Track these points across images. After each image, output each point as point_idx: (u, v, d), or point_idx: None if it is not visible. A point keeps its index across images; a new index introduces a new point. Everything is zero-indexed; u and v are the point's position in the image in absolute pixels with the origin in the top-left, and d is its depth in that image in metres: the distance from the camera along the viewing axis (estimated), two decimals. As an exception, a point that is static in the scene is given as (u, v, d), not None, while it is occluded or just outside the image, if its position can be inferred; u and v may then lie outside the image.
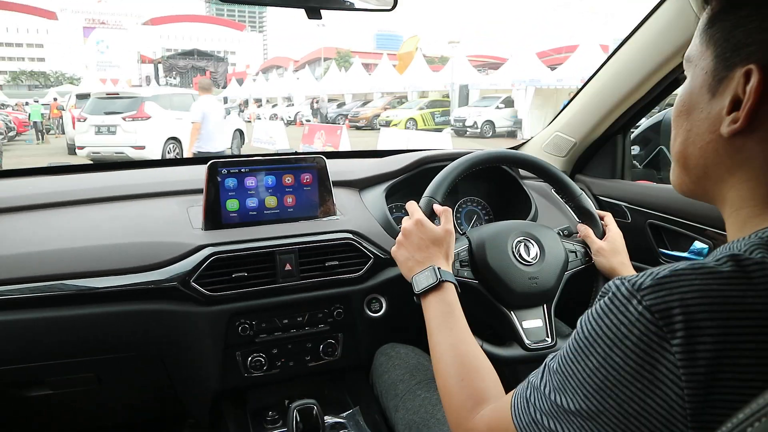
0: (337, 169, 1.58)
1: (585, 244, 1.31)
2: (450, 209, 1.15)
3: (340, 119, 23.52)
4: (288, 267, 1.35)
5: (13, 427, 1.46)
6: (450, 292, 1.01)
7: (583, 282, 1.31)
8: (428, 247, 1.07)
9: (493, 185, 1.78)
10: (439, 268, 1.03)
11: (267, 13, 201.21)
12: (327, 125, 15.83)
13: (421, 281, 1.03)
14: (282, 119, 24.55)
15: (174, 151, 11.59)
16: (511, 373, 1.45)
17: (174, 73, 60.66)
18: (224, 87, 52.34)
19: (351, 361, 1.49)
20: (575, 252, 1.30)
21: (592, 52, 18.11)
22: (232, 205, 1.40)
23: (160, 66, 60.54)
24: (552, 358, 0.64)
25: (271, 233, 1.38)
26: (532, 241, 1.26)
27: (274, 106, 31.01)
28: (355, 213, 1.53)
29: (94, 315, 1.23)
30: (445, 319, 0.97)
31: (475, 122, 19.14)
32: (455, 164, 1.28)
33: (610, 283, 0.57)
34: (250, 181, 1.42)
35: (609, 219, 1.31)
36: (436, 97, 24.61)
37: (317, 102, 21.47)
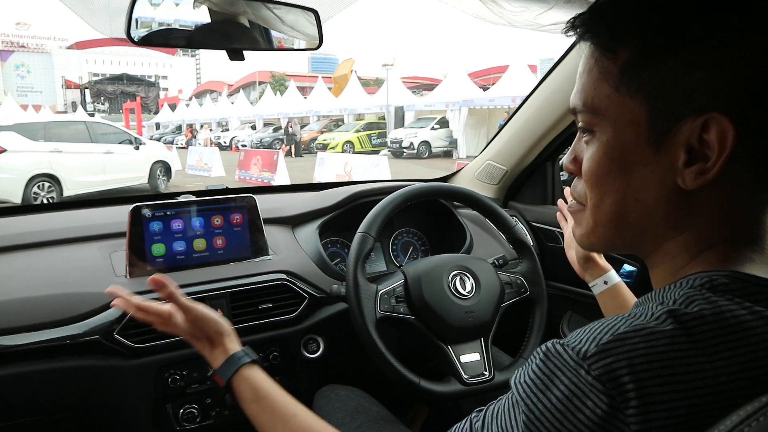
0: (268, 206, 1.55)
1: (521, 275, 1.32)
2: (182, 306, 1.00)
3: (276, 143, 23.30)
4: (219, 312, 1.27)
5: None
6: (254, 374, 0.91)
7: (518, 312, 1.32)
8: (212, 336, 0.96)
9: (429, 216, 1.78)
10: (231, 356, 0.93)
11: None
12: (263, 150, 15.59)
13: (223, 373, 0.91)
14: (234, 144, 24.09)
15: (48, 192, 9.45)
16: (454, 407, 1.44)
17: (102, 98, 58.69)
18: (156, 113, 51.04)
19: None
20: (511, 283, 1.30)
21: (521, 72, 18.81)
22: (158, 249, 1.33)
23: (87, 91, 58.42)
24: (479, 419, 0.60)
25: (201, 278, 1.32)
26: (467, 274, 1.26)
27: (225, 131, 30.24)
28: (289, 252, 1.49)
29: (6, 376, 1.13)
30: (259, 404, 0.87)
31: (412, 143, 19.38)
32: (389, 199, 1.27)
33: (549, 346, 0.54)
34: (176, 224, 1.35)
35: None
36: (372, 119, 24.76)
37: (291, 126, 20.73)
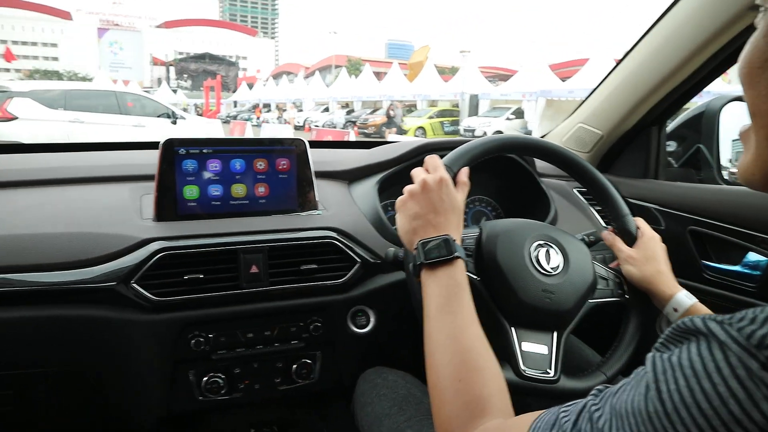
0: (321, 159, 1.37)
1: (620, 275, 1.05)
2: (469, 183, 0.94)
3: (349, 125, 23.42)
4: (254, 269, 1.12)
5: None
6: (461, 272, 0.82)
7: (607, 320, 1.07)
8: (447, 212, 0.86)
9: (505, 182, 1.54)
10: (454, 241, 0.83)
11: (279, 20, 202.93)
12: (335, 130, 15.64)
13: (430, 249, 0.82)
14: (307, 124, 24.23)
15: None
16: (520, 405, 1.22)
17: (185, 75, 61.11)
18: (234, 91, 52.58)
19: (330, 386, 1.26)
20: (607, 280, 1.04)
21: (604, 64, 17.93)
22: (190, 192, 1.17)
23: (172, 68, 61.04)
24: (600, 407, 0.46)
25: (237, 228, 1.16)
26: (556, 248, 1.00)
27: (299, 111, 30.56)
28: (341, 208, 1.30)
29: (12, 320, 1.02)
30: (449, 302, 0.78)
31: (485, 132, 18.94)
32: (483, 140, 1.05)
33: (698, 321, 0.42)
34: (213, 165, 1.19)
35: (640, 222, 1.07)
36: (445, 106, 24.44)
37: (393, 109, 19.48)
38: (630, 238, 1.05)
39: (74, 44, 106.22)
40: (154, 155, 1.16)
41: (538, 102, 18.81)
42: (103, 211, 1.16)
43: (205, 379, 1.15)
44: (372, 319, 1.24)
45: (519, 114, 19.80)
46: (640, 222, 1.07)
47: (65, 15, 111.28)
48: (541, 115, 18.58)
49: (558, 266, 0.98)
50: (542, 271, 0.97)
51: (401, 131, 19.02)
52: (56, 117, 8.57)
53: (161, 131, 9.39)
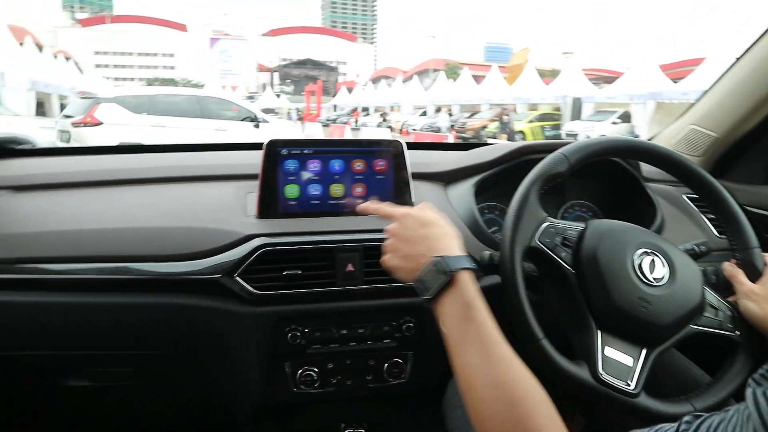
0: (418, 160, 1.36)
1: (734, 308, 0.95)
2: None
3: (446, 129, 23.35)
4: (350, 267, 1.15)
5: (52, 418, 1.39)
6: (466, 285, 0.76)
7: (706, 352, 0.99)
8: (419, 235, 0.83)
9: (606, 186, 1.48)
10: (443, 257, 0.78)
11: (378, 25, 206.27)
12: (433, 134, 15.66)
13: (427, 282, 0.78)
14: (404, 128, 24.44)
15: None
16: (619, 425, 1.17)
17: (288, 81, 63.59)
18: (334, 95, 54.05)
19: (421, 387, 1.27)
20: (717, 310, 0.94)
21: (724, 63, 16.64)
22: (291, 191, 1.21)
23: (276, 74, 63.71)
24: None
25: (334, 226, 1.19)
26: (663, 259, 0.93)
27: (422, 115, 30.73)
28: (438, 210, 1.30)
29: (128, 304, 1.12)
30: (467, 328, 0.72)
31: (588, 137, 18.17)
32: (609, 139, 1.01)
33: None
34: (313, 165, 1.22)
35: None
36: (546, 110, 23.70)
37: (506, 114, 18.81)
38: (755, 273, 0.95)
39: (189, 53, 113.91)
40: (257, 155, 1.22)
41: (647, 105, 17.77)
42: (211, 207, 1.23)
43: (299, 372, 1.19)
44: None
45: (625, 118, 18.78)
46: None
47: (181, 27, 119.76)
48: (650, 119, 17.56)
49: (662, 278, 0.92)
50: (643, 279, 0.91)
51: (512, 137, 18.17)
52: (140, 122, 8.73)
53: (243, 135, 9.45)
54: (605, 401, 0.86)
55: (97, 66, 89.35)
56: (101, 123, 8.42)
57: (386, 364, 1.23)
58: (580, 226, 0.98)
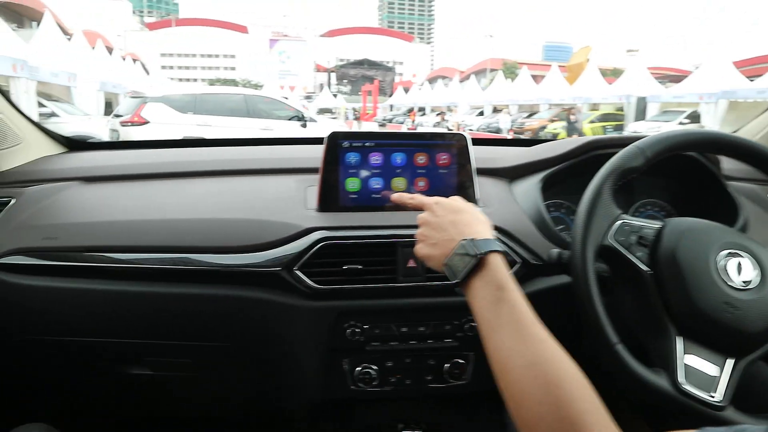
0: (480, 155, 1.32)
1: None
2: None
3: (507, 130, 23.10)
4: (412, 264, 1.12)
5: (115, 405, 1.42)
6: (497, 267, 0.75)
7: None
8: (448, 221, 0.83)
9: (682, 185, 1.39)
10: (471, 240, 0.78)
11: (435, 25, 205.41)
12: (489, 134, 15.56)
13: (455, 266, 0.77)
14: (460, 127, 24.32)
15: None
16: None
17: (345, 81, 64.25)
18: (390, 95, 54.28)
19: (483, 388, 1.20)
20: None
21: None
22: (352, 184, 1.19)
23: (333, 74, 64.46)
24: None
25: (396, 221, 1.16)
26: (752, 261, 0.86)
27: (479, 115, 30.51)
28: (502, 206, 1.25)
29: (189, 295, 1.13)
30: (499, 309, 0.71)
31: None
32: (687, 131, 0.96)
33: None
34: (375, 158, 1.19)
35: None
36: (608, 110, 23.06)
37: (574, 113, 18.01)
38: None
39: (249, 55, 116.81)
40: (318, 149, 1.21)
41: (718, 105, 16.96)
42: (272, 200, 1.23)
43: (358, 369, 1.17)
44: None
45: (694, 118, 17.94)
46: None
47: (242, 29, 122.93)
48: (721, 119, 16.78)
49: (750, 281, 0.85)
50: (729, 282, 0.85)
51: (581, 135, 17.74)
52: (185, 121, 8.82)
53: (290, 135, 9.04)
54: (686, 413, 0.80)
55: (163, 67, 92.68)
56: (147, 122, 8.60)
57: (447, 364, 1.20)
58: (657, 224, 0.94)
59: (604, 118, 21.53)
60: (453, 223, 0.82)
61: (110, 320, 1.16)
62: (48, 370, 1.30)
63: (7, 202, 1.23)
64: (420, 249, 0.86)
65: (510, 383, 0.65)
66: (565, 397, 0.60)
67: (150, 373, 1.24)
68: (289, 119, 9.80)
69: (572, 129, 17.41)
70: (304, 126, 9.71)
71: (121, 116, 8.95)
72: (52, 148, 1.54)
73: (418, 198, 0.93)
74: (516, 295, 0.72)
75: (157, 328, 1.17)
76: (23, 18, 35.87)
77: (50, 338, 1.18)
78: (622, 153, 0.95)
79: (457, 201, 0.88)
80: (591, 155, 1.30)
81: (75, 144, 1.60)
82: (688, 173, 1.36)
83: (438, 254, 0.81)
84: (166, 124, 8.63)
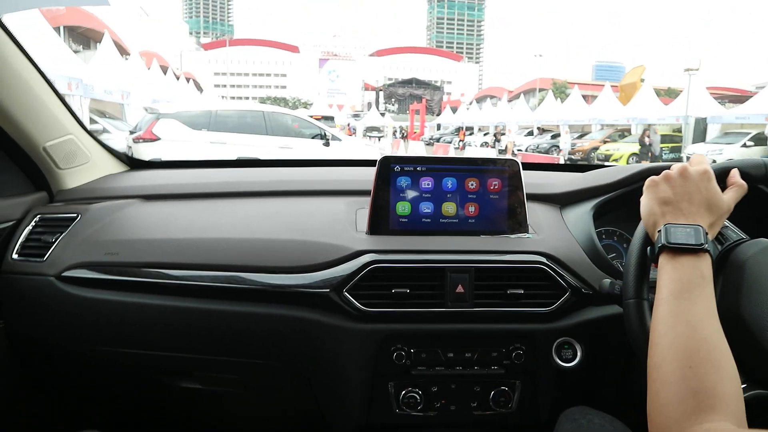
0: (531, 180, 1.32)
1: None
2: (746, 186, 0.86)
3: (554, 150, 22.53)
4: (460, 289, 1.12)
5: (164, 417, 1.49)
6: (707, 267, 0.76)
7: None
8: (702, 205, 0.81)
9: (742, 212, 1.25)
10: (707, 234, 0.78)
11: (484, 45, 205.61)
12: (541, 155, 15.12)
13: (677, 233, 0.78)
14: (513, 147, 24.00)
15: None
16: None
17: (393, 99, 64.72)
18: (438, 114, 54.29)
19: (528, 419, 1.21)
20: None
21: None
22: (403, 208, 1.22)
23: (381, 93, 65.06)
24: None
25: (445, 246, 1.17)
26: None
27: (502, 134, 30.01)
28: (553, 233, 1.26)
29: (240, 313, 1.16)
30: (690, 289, 0.72)
31: (714, 161, 16.73)
32: (758, 160, 0.93)
33: None
34: (426, 182, 1.22)
35: None
36: (665, 131, 22.17)
37: (649, 135, 17.38)
38: None
39: (299, 74, 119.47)
40: (369, 172, 1.22)
41: (787, 126, 16.12)
42: (323, 222, 1.26)
43: (403, 392, 1.16)
44: (579, 354, 1.16)
45: (760, 141, 17.11)
46: None
47: (294, 49, 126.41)
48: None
49: None
50: None
51: (655, 158, 16.74)
52: (198, 138, 8.45)
53: (310, 153, 8.95)
54: None
55: (216, 86, 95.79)
56: (158, 139, 8.30)
57: (492, 392, 1.18)
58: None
59: (660, 139, 20.50)
60: (700, 208, 0.81)
61: (164, 334, 1.20)
62: (103, 379, 1.39)
63: (74, 218, 1.30)
64: (656, 185, 0.85)
65: (662, 345, 0.69)
66: (714, 376, 0.63)
67: (199, 387, 1.30)
68: (312, 137, 9.40)
69: (646, 151, 16.60)
70: (327, 144, 9.31)
71: (134, 132, 8.76)
72: (115, 166, 1.63)
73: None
74: (711, 293, 0.73)
75: (208, 344, 1.21)
76: (89, 40, 37.54)
77: (107, 349, 1.24)
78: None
79: (721, 199, 0.83)
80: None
81: (136, 163, 1.69)
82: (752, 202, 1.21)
83: (663, 209, 0.82)
84: (177, 141, 8.32)
